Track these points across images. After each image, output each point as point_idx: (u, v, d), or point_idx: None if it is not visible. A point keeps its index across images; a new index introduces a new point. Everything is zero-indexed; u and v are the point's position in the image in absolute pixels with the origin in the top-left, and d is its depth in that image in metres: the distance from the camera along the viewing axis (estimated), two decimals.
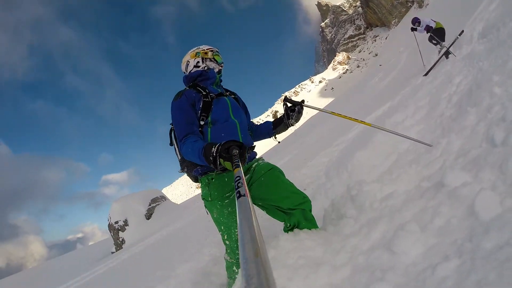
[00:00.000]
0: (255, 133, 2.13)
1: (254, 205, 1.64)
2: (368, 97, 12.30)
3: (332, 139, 6.11)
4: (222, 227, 1.84)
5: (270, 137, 2.13)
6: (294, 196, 1.71)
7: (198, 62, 1.97)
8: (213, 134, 1.77)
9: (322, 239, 1.61)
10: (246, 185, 0.92)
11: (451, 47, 6.56)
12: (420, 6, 48.56)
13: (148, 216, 14.08)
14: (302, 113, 2.01)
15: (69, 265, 15.98)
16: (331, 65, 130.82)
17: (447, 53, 6.65)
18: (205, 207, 1.88)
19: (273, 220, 1.84)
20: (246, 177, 1.80)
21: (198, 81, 1.94)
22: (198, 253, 3.58)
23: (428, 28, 8.32)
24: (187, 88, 1.89)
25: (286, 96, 2.15)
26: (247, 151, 1.77)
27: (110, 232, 14.34)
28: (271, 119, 2.27)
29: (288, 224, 1.74)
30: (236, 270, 1.90)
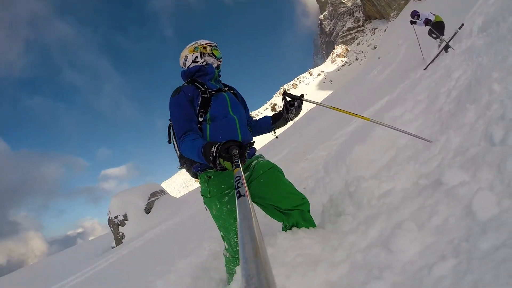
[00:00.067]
0: (254, 128, 2.12)
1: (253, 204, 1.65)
2: (367, 90, 12.26)
3: (331, 132, 6.10)
4: (221, 224, 1.84)
5: (269, 132, 2.12)
6: (292, 197, 1.72)
7: (197, 57, 1.94)
8: (212, 131, 1.76)
9: (320, 237, 1.62)
10: (246, 185, 0.93)
11: (451, 41, 6.52)
12: None
13: (148, 210, 14.10)
14: (302, 107, 2.00)
15: (69, 261, 16.04)
16: (329, 57, 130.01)
17: (446, 47, 6.61)
18: (204, 203, 1.88)
19: None
20: (246, 174, 1.80)
21: (197, 76, 1.91)
22: (197, 248, 3.60)
23: (427, 21, 8.25)
24: (185, 84, 1.86)
25: (285, 90, 2.10)
26: (247, 147, 1.76)
27: (110, 227, 14.37)
28: (270, 112, 2.24)
29: (287, 224, 1.75)
30: (233, 267, 1.90)
